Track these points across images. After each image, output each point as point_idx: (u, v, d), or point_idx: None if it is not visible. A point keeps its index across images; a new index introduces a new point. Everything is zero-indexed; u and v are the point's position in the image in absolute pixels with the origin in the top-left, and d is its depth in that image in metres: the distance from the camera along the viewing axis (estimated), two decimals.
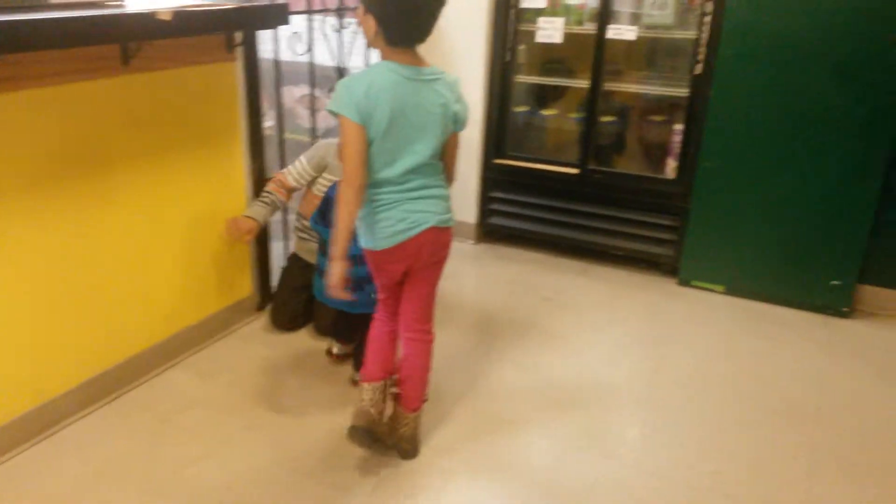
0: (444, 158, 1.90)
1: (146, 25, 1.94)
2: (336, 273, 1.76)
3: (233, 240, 2.57)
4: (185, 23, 2.02)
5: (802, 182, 2.92)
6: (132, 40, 2.03)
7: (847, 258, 2.95)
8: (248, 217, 2.54)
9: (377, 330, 2.04)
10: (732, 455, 2.13)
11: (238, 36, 2.43)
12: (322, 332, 2.68)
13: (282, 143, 2.84)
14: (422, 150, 1.78)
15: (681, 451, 2.14)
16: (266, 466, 2.02)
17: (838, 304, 3.03)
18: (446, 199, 1.89)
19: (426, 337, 2.02)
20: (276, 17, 2.37)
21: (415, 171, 1.80)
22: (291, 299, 2.73)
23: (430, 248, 1.87)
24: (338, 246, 1.75)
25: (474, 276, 3.42)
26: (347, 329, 2.46)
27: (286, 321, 2.75)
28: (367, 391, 1.98)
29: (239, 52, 2.49)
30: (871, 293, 3.08)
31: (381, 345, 2.03)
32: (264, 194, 2.59)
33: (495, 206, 3.69)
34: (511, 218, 3.66)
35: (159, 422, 2.20)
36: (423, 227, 1.83)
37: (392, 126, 1.73)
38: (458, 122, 1.85)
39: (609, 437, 2.20)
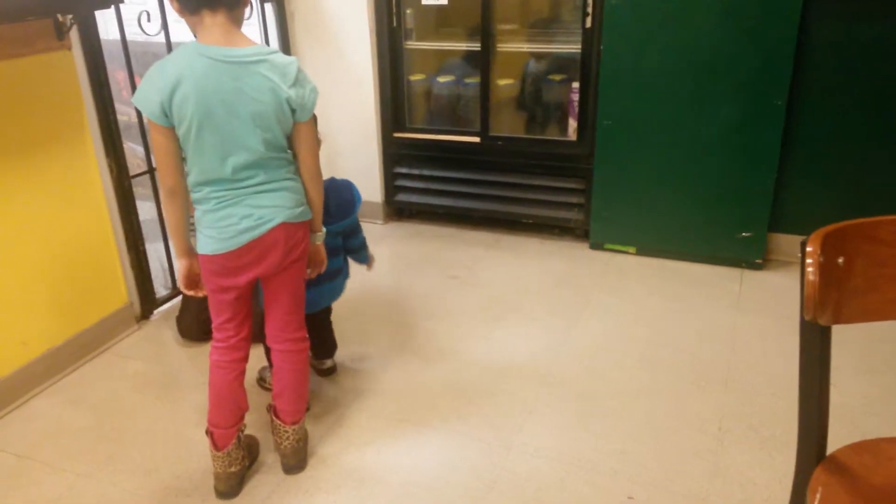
0: (297, 154, 1.66)
1: None
2: (180, 269, 1.74)
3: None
4: None
5: (703, 135, 2.81)
6: None
7: (755, 208, 2.87)
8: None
9: (216, 368, 1.75)
10: (640, 430, 2.03)
11: (67, 20, 2.15)
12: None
13: (144, 132, 2.58)
14: (254, 145, 1.55)
15: (585, 434, 2.02)
16: (132, 500, 1.82)
17: (751, 256, 2.95)
18: (297, 191, 1.67)
19: (299, 346, 1.82)
20: None
21: (252, 166, 1.57)
22: (206, 308, 2.46)
23: (284, 248, 1.66)
24: (175, 244, 1.71)
25: (381, 259, 3.23)
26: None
27: (203, 331, 2.46)
28: (221, 460, 1.78)
29: (73, 37, 2.21)
30: (783, 241, 3.02)
31: (222, 392, 1.75)
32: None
33: (401, 183, 3.50)
34: (418, 193, 3.49)
35: (16, 459, 1.98)
36: (273, 224, 1.62)
37: (208, 120, 1.50)
38: (297, 110, 1.58)
39: (511, 425, 2.06)
